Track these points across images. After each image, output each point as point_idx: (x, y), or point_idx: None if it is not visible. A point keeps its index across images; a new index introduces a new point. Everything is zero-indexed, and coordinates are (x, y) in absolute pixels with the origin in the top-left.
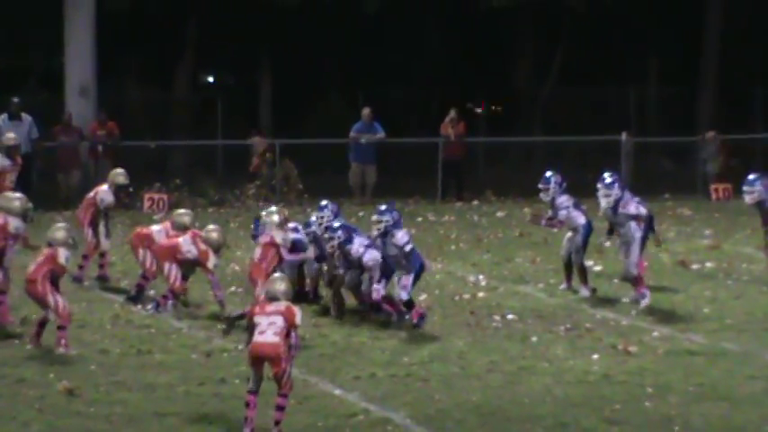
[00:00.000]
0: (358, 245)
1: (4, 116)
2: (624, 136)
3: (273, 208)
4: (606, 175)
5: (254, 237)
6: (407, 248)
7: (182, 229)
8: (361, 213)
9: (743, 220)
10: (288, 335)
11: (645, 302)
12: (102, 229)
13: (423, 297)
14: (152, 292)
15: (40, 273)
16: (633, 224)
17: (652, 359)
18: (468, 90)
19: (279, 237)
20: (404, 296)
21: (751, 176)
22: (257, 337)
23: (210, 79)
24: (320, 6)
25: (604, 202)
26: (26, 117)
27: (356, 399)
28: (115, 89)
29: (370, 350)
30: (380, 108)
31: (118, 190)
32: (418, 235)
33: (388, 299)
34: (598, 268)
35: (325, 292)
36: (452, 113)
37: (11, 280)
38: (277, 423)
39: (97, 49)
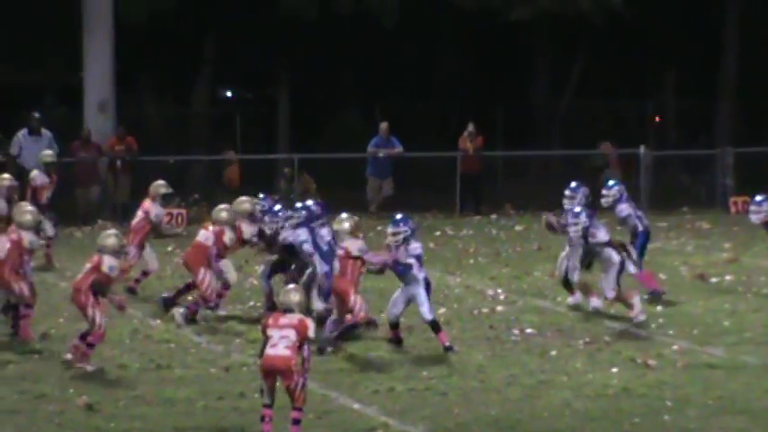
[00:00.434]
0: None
1: (24, 131)
2: (643, 149)
3: (344, 215)
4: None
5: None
6: (410, 260)
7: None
8: (379, 228)
9: (762, 233)
10: (300, 347)
11: (639, 318)
12: (148, 248)
13: (442, 311)
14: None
15: (86, 282)
16: (609, 249)
17: (671, 372)
18: (485, 103)
19: (353, 247)
20: (428, 316)
21: (759, 197)
22: (269, 350)
23: (229, 94)
24: (338, 21)
25: (572, 231)
26: (46, 132)
27: (375, 413)
28: (134, 104)
29: (389, 364)
30: (398, 122)
31: (164, 200)
32: (437, 249)
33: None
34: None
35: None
36: (470, 127)
37: (36, 294)
38: (295, 421)
39: (116, 65)
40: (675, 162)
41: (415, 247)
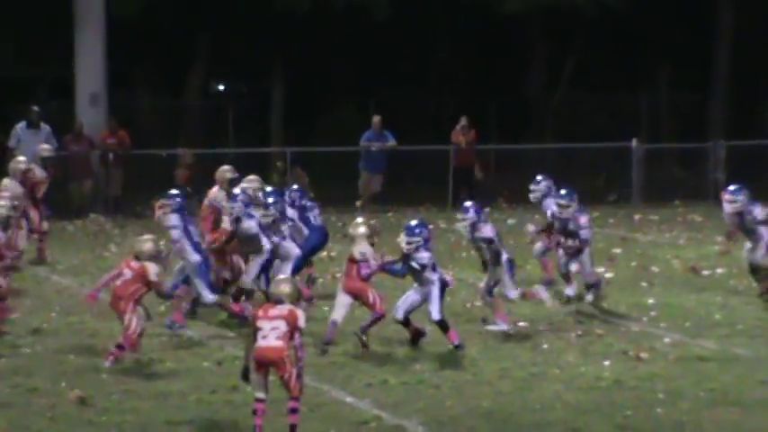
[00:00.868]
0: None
1: (23, 124)
2: (635, 142)
3: (359, 219)
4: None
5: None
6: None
7: None
8: (372, 221)
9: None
10: (291, 337)
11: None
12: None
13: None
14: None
15: (128, 290)
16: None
17: (663, 365)
18: (479, 97)
19: (355, 250)
20: (436, 316)
21: (733, 187)
22: (260, 342)
23: (222, 87)
24: (331, 14)
25: (460, 225)
26: (44, 126)
27: (368, 406)
28: (126, 98)
29: (382, 358)
30: (391, 116)
31: (230, 185)
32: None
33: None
34: (609, 275)
35: None
36: (463, 121)
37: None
38: (293, 428)
39: (108, 58)
40: (668, 155)
41: (423, 256)
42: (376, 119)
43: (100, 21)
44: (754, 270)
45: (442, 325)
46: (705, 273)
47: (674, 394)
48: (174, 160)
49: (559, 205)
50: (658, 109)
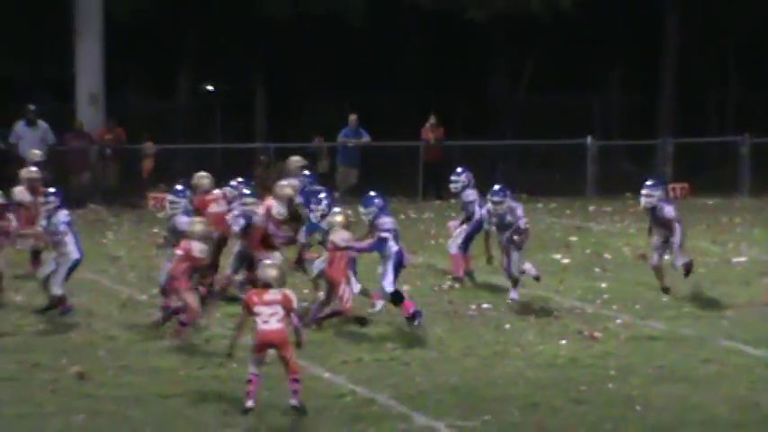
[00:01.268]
0: None
1: (22, 122)
2: (589, 140)
3: (337, 209)
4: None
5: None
6: (383, 234)
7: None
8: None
9: (698, 216)
10: (288, 319)
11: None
12: None
13: (405, 287)
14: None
15: (180, 269)
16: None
17: (615, 344)
18: (446, 97)
19: (338, 238)
20: (388, 287)
21: (650, 181)
22: (263, 327)
23: (210, 87)
24: (309, 20)
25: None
26: (42, 123)
27: (344, 381)
28: (122, 98)
29: (357, 337)
30: (366, 114)
31: (290, 203)
32: (401, 231)
33: None
34: (566, 261)
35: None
36: (432, 119)
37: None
38: (295, 393)
39: (105, 61)
40: (619, 152)
41: (385, 221)
42: (352, 117)
43: (98, 27)
44: (658, 271)
45: (396, 296)
46: None
47: (625, 371)
48: (167, 154)
49: (494, 203)
50: (610, 109)
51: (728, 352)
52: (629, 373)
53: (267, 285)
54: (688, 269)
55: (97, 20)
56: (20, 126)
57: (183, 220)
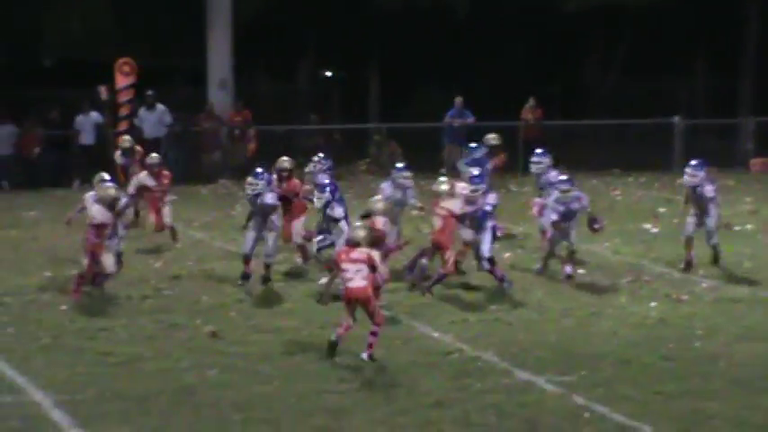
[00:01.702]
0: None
1: (143, 108)
2: (677, 119)
3: (442, 179)
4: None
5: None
6: (488, 208)
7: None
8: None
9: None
10: (372, 276)
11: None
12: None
13: (507, 255)
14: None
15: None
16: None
17: (701, 306)
18: (544, 81)
19: (454, 206)
20: (486, 254)
21: (694, 161)
22: (348, 284)
23: (328, 74)
24: (418, 12)
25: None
26: (159, 106)
27: (451, 340)
28: (249, 83)
29: (463, 300)
30: (470, 96)
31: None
32: (502, 204)
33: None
34: (655, 230)
35: None
36: (531, 101)
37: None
38: (370, 346)
39: (234, 50)
40: (704, 130)
41: (491, 197)
42: (458, 99)
43: (227, 20)
44: (688, 242)
45: (491, 262)
46: (737, 228)
47: (710, 330)
48: (289, 134)
49: (561, 191)
50: (695, 91)
51: None
52: (713, 333)
53: (356, 244)
54: (716, 254)
55: (226, 15)
56: (142, 110)
57: (269, 198)
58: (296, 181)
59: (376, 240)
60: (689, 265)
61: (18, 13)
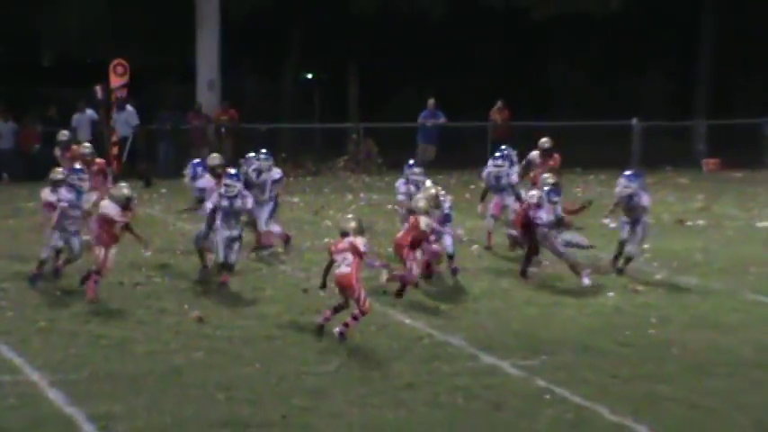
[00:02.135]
0: None
1: (115, 109)
2: (635, 121)
3: (429, 188)
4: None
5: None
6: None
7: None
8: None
9: (727, 186)
10: (359, 264)
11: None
12: None
13: (474, 247)
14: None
15: (406, 239)
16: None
17: (655, 296)
18: (512, 83)
19: (423, 222)
20: (450, 250)
21: (629, 171)
22: (336, 271)
23: (309, 76)
24: (396, 18)
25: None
26: (129, 108)
27: (422, 326)
28: (235, 83)
29: (434, 290)
30: (442, 98)
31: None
32: (473, 199)
33: None
34: (613, 225)
35: None
36: (499, 103)
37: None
38: (346, 324)
39: (221, 52)
40: (660, 131)
41: (247, 202)
42: (431, 101)
43: (215, 23)
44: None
45: (451, 257)
46: (689, 224)
47: (663, 319)
48: (273, 133)
49: (552, 203)
50: (653, 94)
51: (753, 303)
52: (666, 321)
53: (344, 234)
54: (626, 264)
55: (215, 17)
56: (114, 112)
57: (249, 202)
58: None
59: (415, 239)
60: (621, 270)
61: (18, 15)
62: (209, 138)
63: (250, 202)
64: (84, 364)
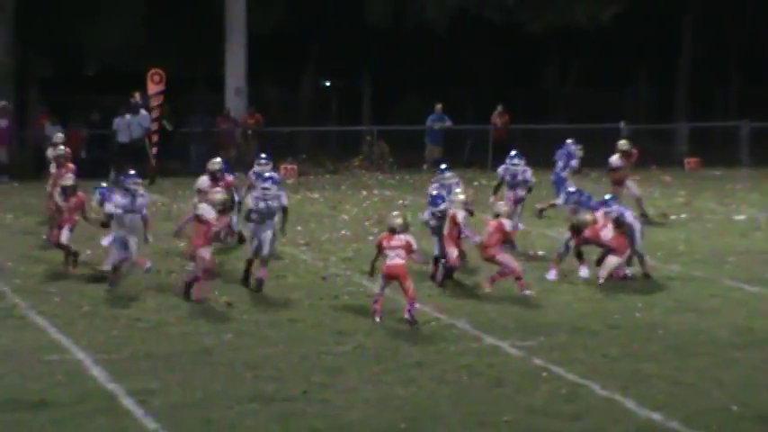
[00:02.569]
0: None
1: (129, 113)
2: (622, 124)
3: (459, 189)
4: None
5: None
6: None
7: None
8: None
9: (707, 183)
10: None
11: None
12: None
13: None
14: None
15: (493, 241)
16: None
17: (642, 283)
18: (511, 90)
19: (460, 215)
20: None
21: (608, 196)
22: (389, 262)
23: (327, 83)
24: (406, 31)
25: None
26: (143, 112)
27: (430, 310)
28: (260, 90)
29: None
30: (448, 103)
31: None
32: (477, 195)
33: None
34: None
35: None
36: (499, 108)
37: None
38: (409, 311)
39: (247, 63)
40: (645, 133)
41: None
42: (438, 105)
43: (242, 35)
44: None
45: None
46: (672, 217)
47: (649, 303)
48: (294, 135)
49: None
50: (638, 99)
51: (730, 289)
52: (652, 305)
53: (392, 230)
54: (643, 265)
55: (241, 30)
56: (128, 115)
57: (284, 198)
58: (230, 179)
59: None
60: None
61: (64, 30)
62: (237, 140)
63: (284, 199)
64: (124, 344)
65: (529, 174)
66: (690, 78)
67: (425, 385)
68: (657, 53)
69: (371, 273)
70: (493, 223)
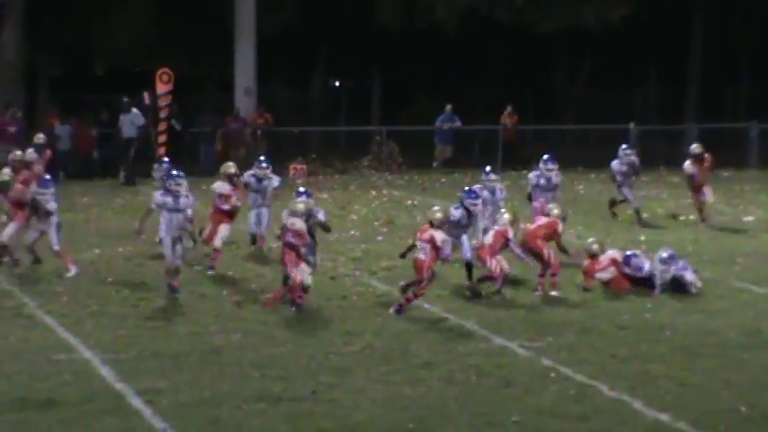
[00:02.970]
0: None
1: (122, 112)
2: (632, 125)
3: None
4: None
5: None
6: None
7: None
8: (443, 179)
9: (716, 184)
10: (434, 256)
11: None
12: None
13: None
14: None
15: (540, 234)
16: None
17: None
18: (520, 91)
19: (510, 232)
20: (468, 255)
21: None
22: (415, 254)
23: (336, 84)
24: (415, 31)
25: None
26: (134, 110)
27: (439, 310)
28: (269, 90)
29: (450, 276)
30: (458, 104)
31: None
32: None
33: None
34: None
35: None
36: (509, 108)
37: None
38: (407, 300)
39: (257, 63)
40: (655, 134)
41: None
42: (448, 106)
43: (251, 36)
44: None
45: (469, 265)
46: (681, 218)
47: (657, 304)
48: (303, 135)
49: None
50: (648, 101)
51: (738, 290)
52: (660, 306)
53: (431, 223)
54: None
55: (251, 31)
56: (120, 115)
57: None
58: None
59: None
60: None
61: (73, 29)
62: (246, 139)
63: (322, 215)
64: (132, 343)
65: (559, 178)
66: (699, 79)
67: (434, 385)
68: (667, 54)
69: (404, 256)
70: (546, 221)
